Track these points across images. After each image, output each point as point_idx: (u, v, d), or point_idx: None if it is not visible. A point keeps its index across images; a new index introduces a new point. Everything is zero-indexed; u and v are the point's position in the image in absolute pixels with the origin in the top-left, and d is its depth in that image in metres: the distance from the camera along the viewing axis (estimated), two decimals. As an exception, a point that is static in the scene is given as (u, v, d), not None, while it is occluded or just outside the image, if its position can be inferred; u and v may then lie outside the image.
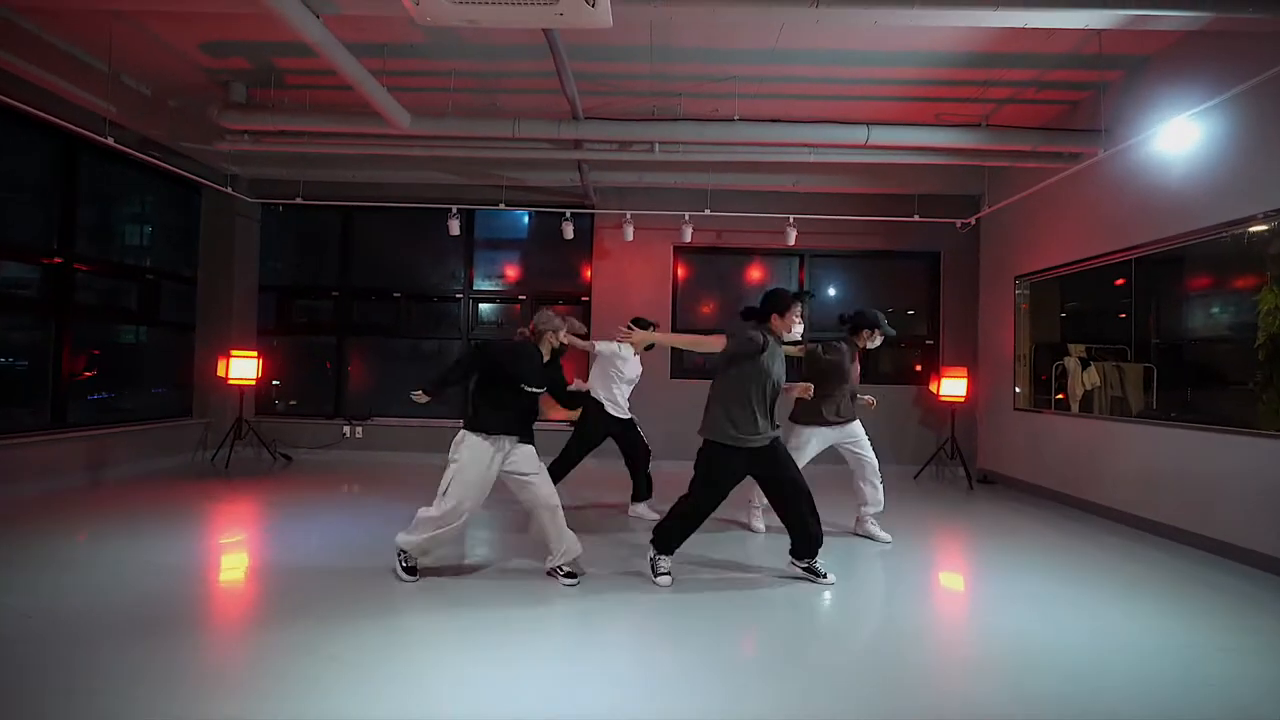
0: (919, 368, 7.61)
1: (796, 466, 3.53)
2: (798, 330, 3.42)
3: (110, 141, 4.89)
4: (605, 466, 6.01)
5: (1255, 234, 4.19)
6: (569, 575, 3.43)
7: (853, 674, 2.54)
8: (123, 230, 6.66)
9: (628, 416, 4.98)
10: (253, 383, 6.97)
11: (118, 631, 2.69)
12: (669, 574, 3.48)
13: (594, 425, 4.88)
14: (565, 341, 3.53)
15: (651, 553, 3.52)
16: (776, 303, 3.40)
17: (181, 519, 4.60)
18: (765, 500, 4.65)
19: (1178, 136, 4.42)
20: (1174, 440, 4.71)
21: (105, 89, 5.14)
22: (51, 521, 4.37)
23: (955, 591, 3.75)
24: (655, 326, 4.63)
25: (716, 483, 3.39)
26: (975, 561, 4.28)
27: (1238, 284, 4.56)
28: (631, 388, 5.00)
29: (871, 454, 4.50)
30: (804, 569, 3.60)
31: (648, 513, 4.98)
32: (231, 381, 6.87)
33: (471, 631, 2.81)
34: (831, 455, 4.60)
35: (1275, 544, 3.89)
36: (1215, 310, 4.93)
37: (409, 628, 2.85)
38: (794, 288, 7.63)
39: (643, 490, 5.05)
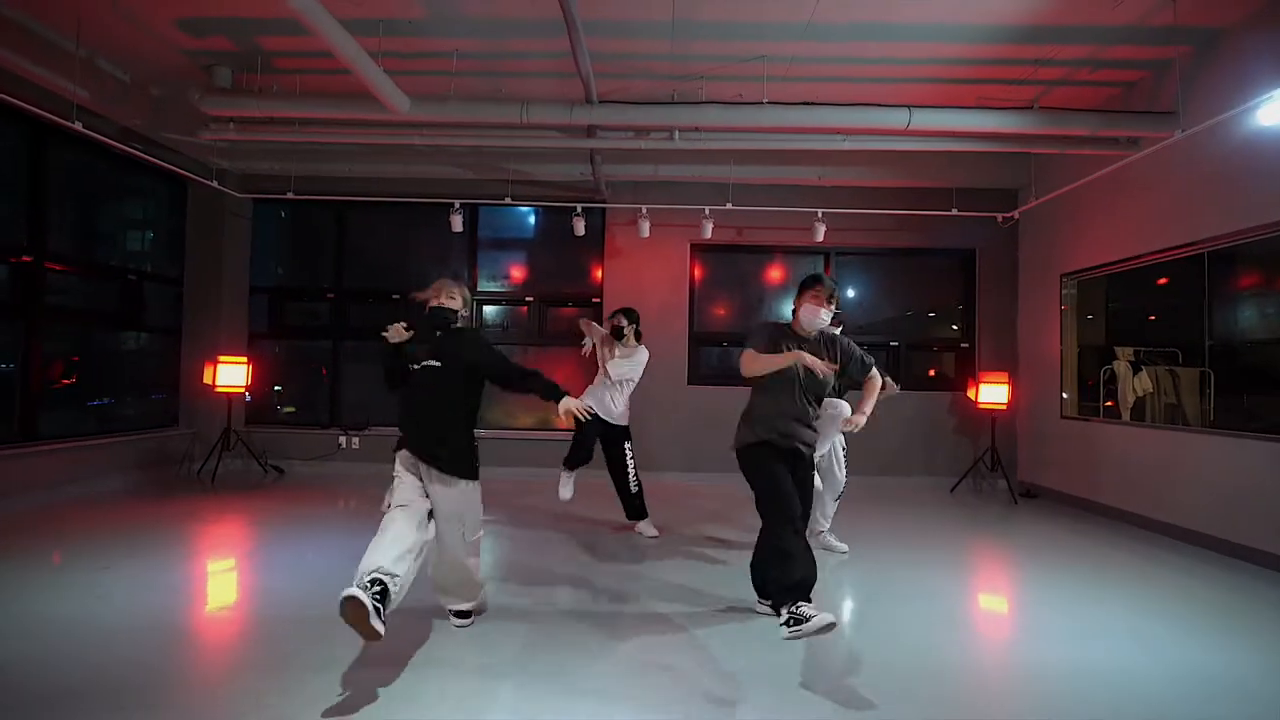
0: (953, 373, 7.14)
1: (805, 495, 2.93)
2: (821, 318, 2.90)
3: (78, 126, 4.46)
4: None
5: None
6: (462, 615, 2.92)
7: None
8: (102, 228, 6.23)
9: (615, 423, 4.57)
10: (242, 390, 6.53)
11: (84, 696, 2.22)
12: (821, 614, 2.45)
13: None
14: (438, 302, 2.86)
15: (785, 611, 2.52)
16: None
17: (162, 541, 4.14)
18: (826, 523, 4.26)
19: (1262, 117, 3.95)
20: (1245, 451, 4.26)
21: (76, 72, 4.70)
22: (19, 544, 3.92)
23: (1000, 616, 3.32)
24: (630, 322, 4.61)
25: (760, 476, 2.86)
26: (1025, 584, 3.84)
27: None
28: (621, 389, 4.58)
29: None
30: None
31: (648, 529, 4.65)
32: (219, 389, 6.42)
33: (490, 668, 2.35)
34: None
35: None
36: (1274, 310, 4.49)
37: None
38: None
39: (630, 508, 4.66)
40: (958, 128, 5.09)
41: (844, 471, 4.33)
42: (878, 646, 2.81)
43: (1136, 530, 5.07)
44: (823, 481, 4.14)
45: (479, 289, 7.23)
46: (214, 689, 2.37)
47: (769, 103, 4.98)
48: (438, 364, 2.76)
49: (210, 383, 6.54)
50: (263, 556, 4.02)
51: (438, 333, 2.84)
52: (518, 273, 7.45)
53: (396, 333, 2.78)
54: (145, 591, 3.28)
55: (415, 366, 2.79)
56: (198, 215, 6.76)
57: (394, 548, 2.48)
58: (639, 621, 3.04)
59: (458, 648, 2.70)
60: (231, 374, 6.40)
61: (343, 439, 6.92)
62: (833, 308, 2.91)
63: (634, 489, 4.60)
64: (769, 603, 2.92)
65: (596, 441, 4.61)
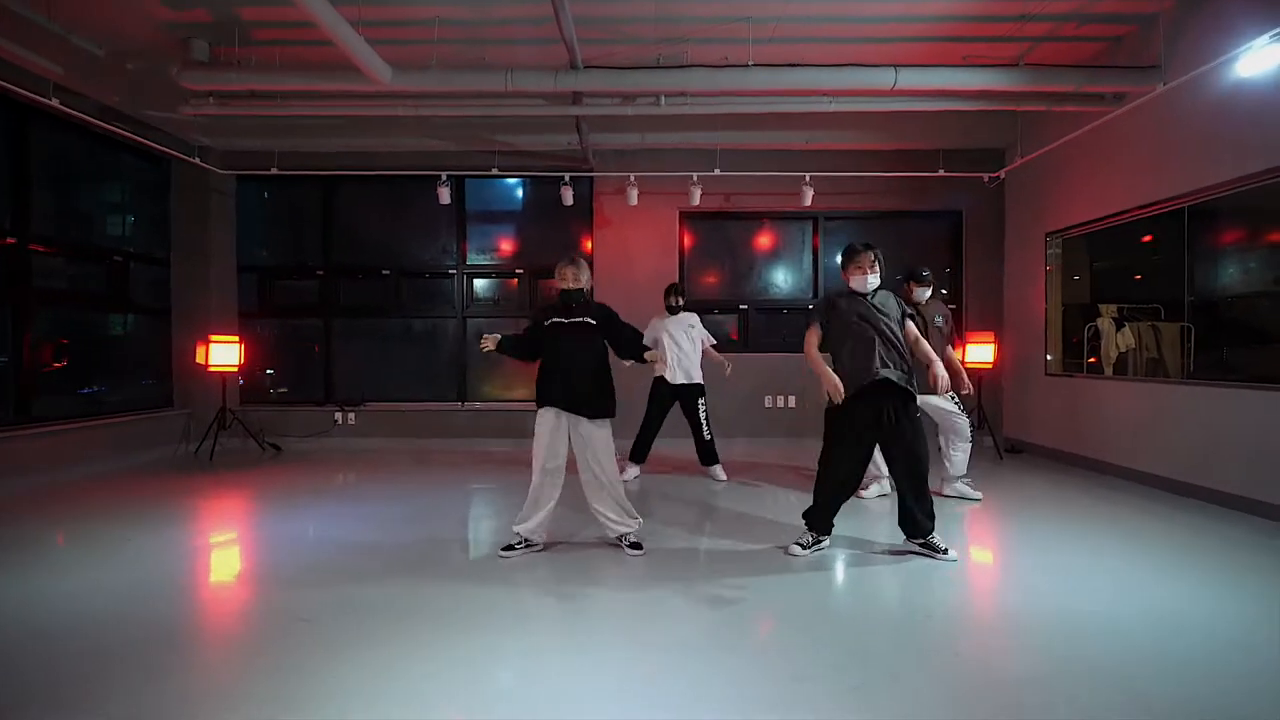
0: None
1: (913, 441, 3.37)
2: (870, 282, 3.39)
3: (55, 103, 4.40)
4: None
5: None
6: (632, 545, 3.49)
7: (873, 653, 2.22)
8: (85, 209, 6.16)
9: (681, 382, 5.10)
10: (235, 369, 6.54)
11: (107, 651, 2.30)
12: (800, 545, 3.45)
13: (653, 391, 5.22)
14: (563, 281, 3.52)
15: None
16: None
17: (164, 518, 4.20)
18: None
19: (1245, 67, 3.97)
20: (1221, 401, 4.38)
21: (49, 47, 4.62)
22: (20, 523, 3.97)
23: (988, 564, 3.46)
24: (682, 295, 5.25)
25: (834, 437, 3.42)
26: (1012, 532, 3.98)
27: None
28: (685, 351, 5.13)
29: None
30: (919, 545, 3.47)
31: (719, 473, 5.23)
32: (212, 368, 6.43)
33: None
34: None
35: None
36: (1255, 264, 4.57)
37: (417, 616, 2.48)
38: (808, 252, 7.23)
39: (703, 454, 5.23)
40: (944, 86, 5.07)
41: (963, 420, 4.61)
42: (881, 570, 3.01)
43: (1117, 480, 5.21)
44: (944, 430, 4.64)
45: (468, 263, 7.22)
46: (224, 641, 2.45)
47: (754, 65, 4.96)
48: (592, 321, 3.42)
49: (203, 363, 6.54)
50: (266, 527, 4.09)
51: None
52: (507, 245, 7.43)
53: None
54: (159, 561, 3.36)
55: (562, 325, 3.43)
56: (182, 194, 6.69)
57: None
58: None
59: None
60: (224, 353, 6.40)
61: (339, 415, 6.96)
62: (878, 270, 3.39)
63: (706, 437, 5.17)
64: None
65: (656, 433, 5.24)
